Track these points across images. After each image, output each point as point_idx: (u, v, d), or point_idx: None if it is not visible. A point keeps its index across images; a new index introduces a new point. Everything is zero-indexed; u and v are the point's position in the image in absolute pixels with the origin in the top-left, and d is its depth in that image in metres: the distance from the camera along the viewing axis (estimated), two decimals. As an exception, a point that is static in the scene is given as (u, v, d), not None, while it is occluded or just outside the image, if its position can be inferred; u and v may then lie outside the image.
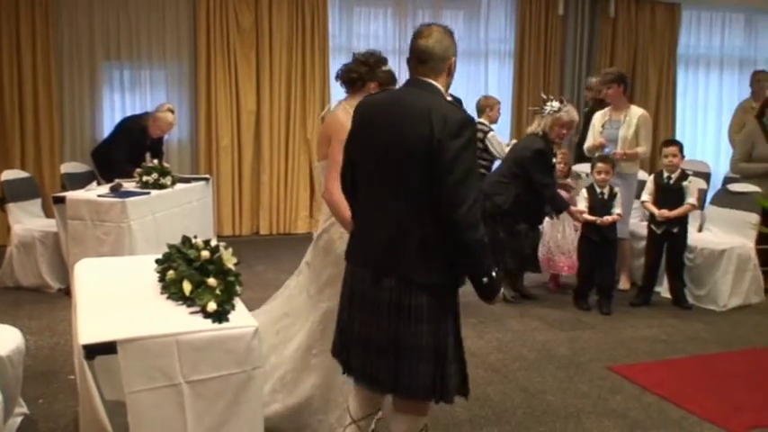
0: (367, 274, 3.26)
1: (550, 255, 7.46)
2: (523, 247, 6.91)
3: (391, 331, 3.16)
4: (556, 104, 6.75)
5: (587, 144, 7.67)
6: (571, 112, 6.79)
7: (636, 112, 7.50)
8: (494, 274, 3.16)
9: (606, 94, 7.55)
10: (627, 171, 7.38)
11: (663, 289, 7.30)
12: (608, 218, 6.78)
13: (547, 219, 7.30)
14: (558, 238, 7.41)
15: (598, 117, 7.61)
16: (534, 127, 6.86)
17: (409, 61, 3.31)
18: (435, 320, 3.16)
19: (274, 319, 4.49)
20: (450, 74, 3.30)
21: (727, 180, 8.48)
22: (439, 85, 3.23)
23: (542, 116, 6.78)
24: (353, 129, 3.40)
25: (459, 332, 3.29)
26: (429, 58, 3.22)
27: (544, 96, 7.07)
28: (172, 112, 7.88)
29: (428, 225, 3.10)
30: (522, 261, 7.02)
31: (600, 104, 8.24)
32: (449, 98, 3.39)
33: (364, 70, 4.15)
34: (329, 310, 4.07)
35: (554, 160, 6.85)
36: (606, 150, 7.32)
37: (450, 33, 3.29)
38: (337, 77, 4.32)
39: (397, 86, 3.82)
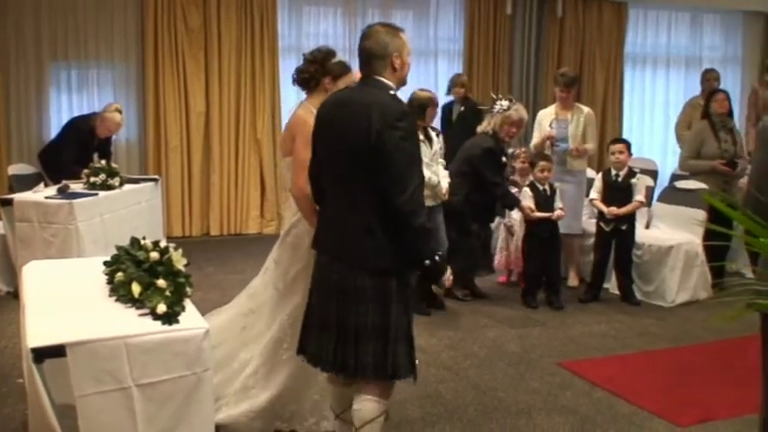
0: (323, 260, 3.55)
1: (518, 253, 7.44)
2: (474, 246, 6.91)
3: (339, 313, 3.41)
4: (505, 103, 6.81)
5: (534, 141, 7.68)
6: (520, 111, 6.85)
7: (583, 110, 7.60)
8: (437, 257, 3.38)
9: (562, 96, 7.55)
10: (577, 168, 7.49)
11: (611, 285, 7.38)
12: (559, 212, 6.86)
13: (519, 216, 7.34)
14: (516, 237, 7.45)
15: (545, 116, 7.63)
16: (484, 126, 6.90)
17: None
18: (380, 302, 3.36)
19: (239, 316, 4.53)
20: (396, 69, 3.45)
21: (674, 177, 8.60)
22: (386, 80, 3.43)
23: (492, 115, 6.83)
24: (315, 127, 3.61)
25: (408, 317, 3.47)
26: (370, 58, 3.45)
27: (494, 95, 7.12)
28: (120, 112, 7.79)
29: (373, 213, 3.31)
30: (474, 261, 7.02)
31: (465, 100, 8.92)
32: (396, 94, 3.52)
33: (314, 69, 4.23)
34: (299, 304, 4.11)
35: (503, 159, 6.88)
36: (562, 146, 7.38)
37: (392, 31, 3.48)
38: (293, 81, 4.39)
39: (353, 71, 4.12)
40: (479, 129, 7.00)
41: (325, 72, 4.20)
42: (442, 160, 6.69)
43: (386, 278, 3.37)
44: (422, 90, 6.73)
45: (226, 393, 4.26)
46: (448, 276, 3.57)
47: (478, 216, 6.91)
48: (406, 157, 3.25)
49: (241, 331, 4.45)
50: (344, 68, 4.24)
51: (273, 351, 4.22)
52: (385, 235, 3.31)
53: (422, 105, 6.42)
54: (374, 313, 3.35)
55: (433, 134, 6.60)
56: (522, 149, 7.83)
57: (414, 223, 3.26)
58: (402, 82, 3.53)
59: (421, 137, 6.24)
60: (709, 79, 9.45)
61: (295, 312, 4.14)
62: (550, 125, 7.52)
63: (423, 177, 3.40)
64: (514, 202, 6.92)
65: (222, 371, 4.34)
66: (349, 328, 3.39)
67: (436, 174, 6.40)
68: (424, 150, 6.17)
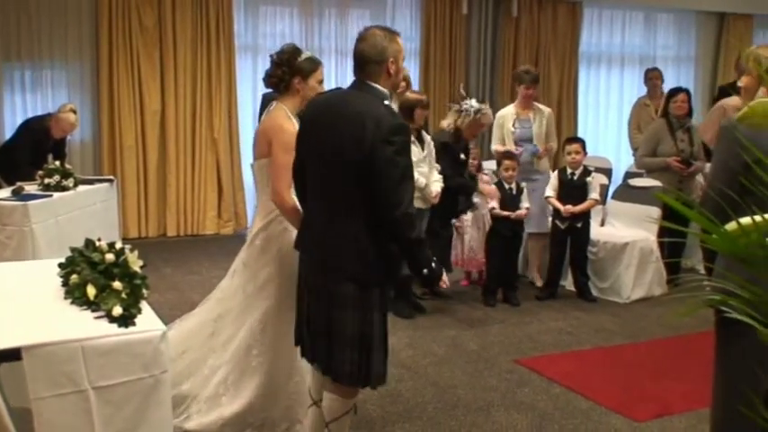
0: (310, 262, 3.55)
1: (473, 254, 7.48)
2: (440, 244, 6.85)
3: (325, 316, 3.41)
4: (475, 104, 6.78)
5: (497, 146, 7.56)
6: (489, 115, 6.93)
7: (544, 109, 7.65)
8: (433, 265, 3.41)
9: (528, 93, 7.53)
10: (544, 167, 7.54)
11: (568, 282, 7.45)
12: (522, 211, 6.90)
13: (470, 216, 7.37)
14: (479, 237, 7.46)
15: (506, 117, 7.54)
16: (448, 122, 6.89)
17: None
18: (362, 310, 3.37)
19: (207, 322, 4.45)
20: (391, 75, 3.42)
21: (628, 175, 8.69)
22: (380, 86, 3.40)
23: (459, 113, 6.80)
24: (302, 129, 3.59)
25: (385, 325, 3.50)
26: (365, 63, 3.40)
27: (463, 93, 7.11)
28: (74, 112, 7.71)
29: (362, 223, 3.31)
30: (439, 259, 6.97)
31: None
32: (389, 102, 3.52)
33: (281, 72, 4.14)
34: (269, 309, 4.10)
35: (462, 156, 6.87)
36: (534, 149, 7.41)
37: (389, 35, 3.43)
38: (265, 85, 4.33)
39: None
40: (443, 124, 6.99)
41: (293, 72, 4.12)
42: (437, 165, 6.61)
43: (369, 288, 3.38)
44: (411, 92, 6.69)
45: (197, 400, 4.22)
46: (444, 279, 3.59)
47: (439, 214, 6.81)
48: (400, 171, 3.24)
49: (210, 337, 4.38)
50: (313, 64, 4.17)
51: (243, 358, 4.18)
52: (371, 244, 3.33)
53: (410, 107, 6.36)
54: (354, 321, 3.36)
55: (426, 136, 6.55)
56: (473, 148, 7.71)
57: (410, 235, 3.29)
58: (395, 87, 3.58)
59: (412, 138, 6.25)
60: (652, 78, 9.59)
61: (266, 318, 4.11)
62: (513, 125, 7.49)
63: (414, 187, 3.44)
64: (471, 187, 6.92)
65: (192, 377, 4.30)
66: (330, 333, 3.41)
67: (425, 175, 6.34)
68: (415, 151, 6.14)
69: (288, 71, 4.13)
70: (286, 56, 4.16)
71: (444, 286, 3.67)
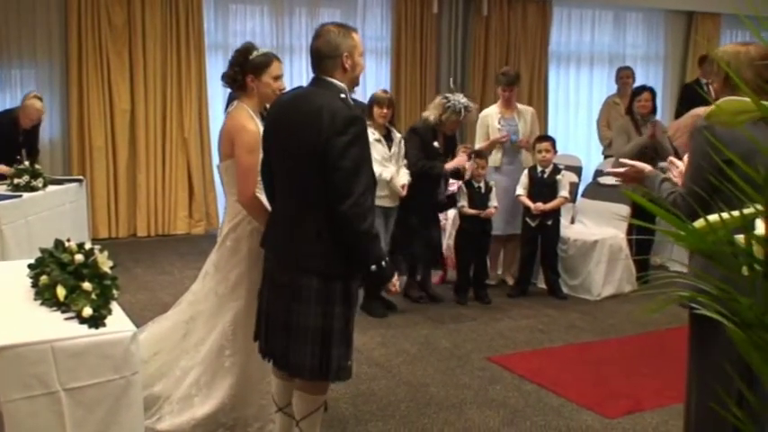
0: (270, 258, 3.61)
1: (449, 251, 7.45)
2: (427, 241, 6.79)
3: (285, 311, 3.44)
4: (463, 101, 6.67)
5: (481, 145, 7.43)
6: (474, 113, 6.92)
7: (526, 108, 7.68)
8: (383, 263, 3.37)
9: (504, 95, 7.46)
10: (526, 165, 7.54)
11: (539, 280, 7.49)
12: (490, 210, 6.91)
13: (451, 214, 7.35)
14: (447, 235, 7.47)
15: (491, 116, 7.46)
16: (429, 113, 6.77)
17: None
18: (323, 304, 3.39)
19: (180, 324, 4.44)
20: (347, 70, 3.45)
21: (597, 173, 8.74)
22: (337, 81, 3.44)
23: (446, 107, 6.65)
24: (266, 129, 3.65)
25: (349, 320, 3.49)
26: (320, 59, 3.45)
27: (452, 86, 7.07)
28: (39, 99, 7.60)
29: (322, 217, 3.34)
30: (412, 260, 6.87)
31: None
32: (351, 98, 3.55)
33: (234, 71, 4.13)
34: (240, 310, 4.09)
35: (435, 145, 6.71)
36: (513, 138, 7.34)
37: (344, 31, 3.48)
38: (223, 86, 4.34)
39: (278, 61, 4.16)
40: (424, 114, 6.88)
41: (245, 71, 4.09)
42: (404, 160, 6.53)
43: (331, 281, 3.40)
44: (383, 91, 6.63)
45: (169, 401, 4.21)
46: (394, 282, 3.54)
47: (417, 209, 6.68)
48: (351, 163, 3.26)
49: (182, 339, 4.37)
50: (265, 59, 4.10)
51: (215, 359, 4.17)
52: (333, 240, 3.34)
53: (368, 105, 6.35)
54: (316, 314, 3.39)
55: (396, 135, 6.47)
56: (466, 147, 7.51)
57: (358, 228, 3.28)
58: (354, 83, 3.55)
59: (378, 136, 6.22)
60: (623, 77, 9.68)
61: (237, 318, 4.11)
62: (498, 122, 7.41)
63: (371, 182, 3.41)
64: (439, 171, 6.68)
65: (165, 379, 4.29)
66: (291, 328, 3.43)
67: (391, 173, 6.28)
68: (379, 149, 6.13)
69: (239, 70, 4.11)
70: (240, 54, 4.14)
71: (393, 290, 3.62)
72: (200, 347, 4.24)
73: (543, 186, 7.11)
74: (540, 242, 7.24)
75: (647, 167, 3.28)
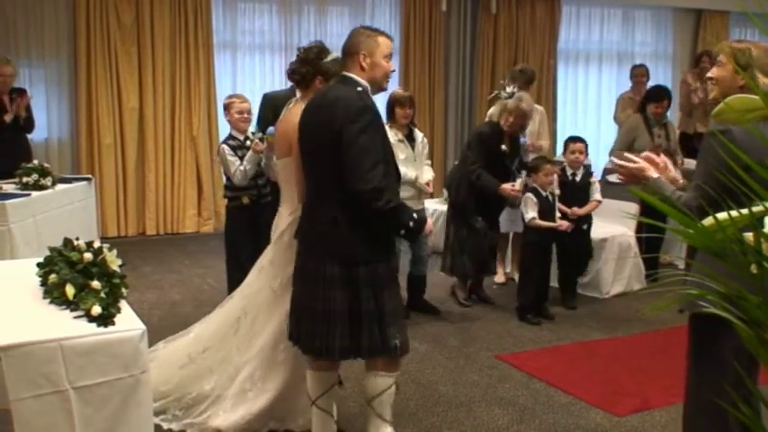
0: (301, 249, 3.80)
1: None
2: (482, 246, 6.59)
3: (316, 297, 3.63)
4: (509, 90, 6.54)
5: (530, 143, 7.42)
6: (520, 102, 6.48)
7: (537, 108, 7.61)
8: (411, 224, 3.60)
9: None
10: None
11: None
12: (567, 224, 6.49)
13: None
14: None
15: None
16: (490, 113, 6.74)
17: None
18: (349, 288, 3.58)
19: (232, 319, 4.46)
20: (364, 68, 3.61)
21: (606, 172, 8.72)
22: (358, 77, 3.61)
23: (503, 103, 6.54)
24: (299, 126, 3.79)
25: (382, 300, 3.62)
26: (344, 56, 3.70)
27: (502, 82, 6.95)
28: (8, 61, 7.60)
29: (338, 205, 3.55)
30: (480, 263, 6.70)
31: None
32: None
33: (305, 70, 4.22)
34: None
35: (503, 147, 6.53)
36: (521, 141, 7.23)
37: (370, 33, 3.67)
38: (288, 80, 4.44)
39: None
40: (489, 112, 6.82)
41: (316, 72, 4.17)
42: (428, 161, 6.47)
43: (353, 266, 3.58)
44: (402, 90, 6.60)
45: (222, 398, 4.25)
46: (429, 224, 3.83)
47: (483, 209, 6.54)
48: (360, 148, 3.44)
49: (233, 335, 4.39)
50: (336, 67, 4.07)
51: (270, 353, 4.22)
52: (349, 225, 3.55)
53: (389, 104, 6.22)
54: (342, 299, 3.57)
55: (418, 135, 6.35)
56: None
57: (376, 206, 3.46)
58: (377, 84, 3.67)
59: (400, 136, 6.15)
60: (637, 75, 9.61)
61: None
62: None
63: (383, 168, 3.50)
64: (491, 186, 6.38)
65: (216, 376, 4.33)
66: (321, 312, 3.61)
67: (416, 169, 6.18)
68: (402, 148, 6.05)
69: (311, 70, 4.20)
70: (312, 54, 4.22)
71: (429, 230, 3.81)
72: (254, 342, 4.28)
73: (577, 189, 6.82)
74: (571, 247, 6.76)
75: (649, 168, 3.22)
